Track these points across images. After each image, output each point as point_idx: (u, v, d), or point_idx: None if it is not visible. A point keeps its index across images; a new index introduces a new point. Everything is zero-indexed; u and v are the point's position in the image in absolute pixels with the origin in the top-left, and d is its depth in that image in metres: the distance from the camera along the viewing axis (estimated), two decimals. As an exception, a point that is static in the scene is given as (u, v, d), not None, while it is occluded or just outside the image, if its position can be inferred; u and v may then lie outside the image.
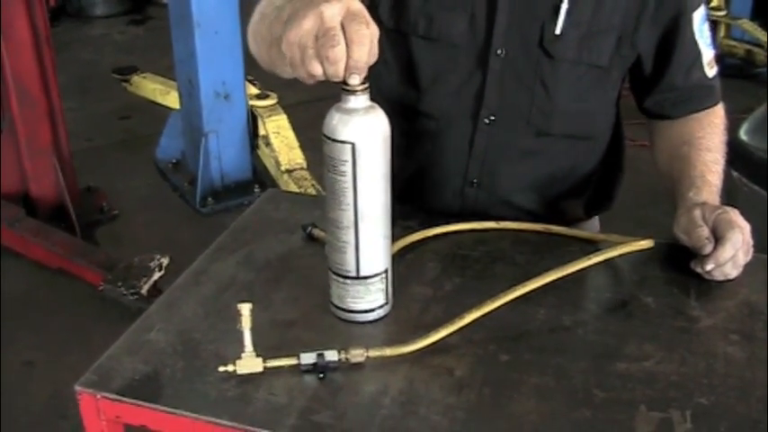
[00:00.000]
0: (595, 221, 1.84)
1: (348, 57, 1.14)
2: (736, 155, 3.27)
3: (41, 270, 3.82)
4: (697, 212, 1.47)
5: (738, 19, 5.81)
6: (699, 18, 1.65)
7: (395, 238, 1.39)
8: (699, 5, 1.65)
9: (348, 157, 1.24)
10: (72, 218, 4.04)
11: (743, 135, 3.10)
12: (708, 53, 1.69)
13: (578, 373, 1.26)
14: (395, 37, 1.64)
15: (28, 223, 3.95)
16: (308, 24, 1.14)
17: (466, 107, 1.64)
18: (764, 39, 5.63)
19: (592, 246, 1.53)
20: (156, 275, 3.54)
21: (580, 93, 1.64)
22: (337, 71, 1.15)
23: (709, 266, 1.43)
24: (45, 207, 4.10)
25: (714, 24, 5.84)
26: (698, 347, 1.31)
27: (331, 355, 1.24)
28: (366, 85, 1.23)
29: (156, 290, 3.51)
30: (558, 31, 1.57)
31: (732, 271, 1.46)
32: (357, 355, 1.24)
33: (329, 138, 1.25)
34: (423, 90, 1.65)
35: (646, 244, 1.51)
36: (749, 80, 5.68)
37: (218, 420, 1.17)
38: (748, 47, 5.75)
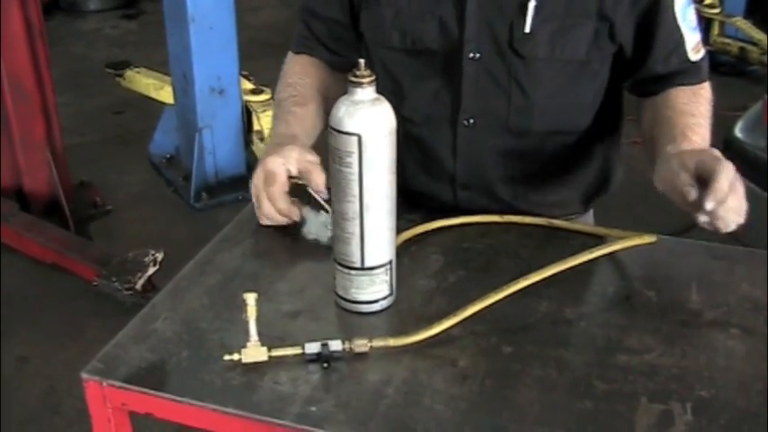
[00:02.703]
0: (589, 216, 1.83)
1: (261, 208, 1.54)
2: (732, 152, 3.30)
3: (35, 265, 3.81)
4: (675, 161, 1.42)
5: (732, 17, 5.82)
6: (681, 1, 1.61)
7: (399, 230, 1.40)
8: None
9: (354, 148, 1.25)
10: (66, 213, 4.03)
11: (738, 133, 3.12)
12: (692, 38, 1.64)
13: (580, 366, 1.27)
14: (373, 48, 1.68)
15: (22, 218, 3.94)
16: (254, 181, 1.54)
17: (445, 111, 1.65)
18: (758, 36, 5.65)
19: (594, 240, 1.54)
20: (151, 270, 3.53)
21: (558, 89, 1.62)
22: (265, 221, 1.56)
23: (710, 204, 1.33)
24: (39, 202, 4.10)
25: (708, 22, 5.85)
26: (699, 341, 1.32)
27: (335, 345, 1.24)
28: (373, 78, 1.26)
29: (150, 285, 3.51)
30: (527, 30, 1.55)
31: (735, 216, 1.38)
32: (361, 345, 1.25)
33: (335, 129, 1.26)
34: (404, 97, 1.65)
35: (648, 239, 1.51)
36: (743, 78, 5.72)
37: (223, 408, 1.17)
38: (742, 44, 5.76)
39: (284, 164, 1.49)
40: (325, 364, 1.24)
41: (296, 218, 1.53)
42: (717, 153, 1.40)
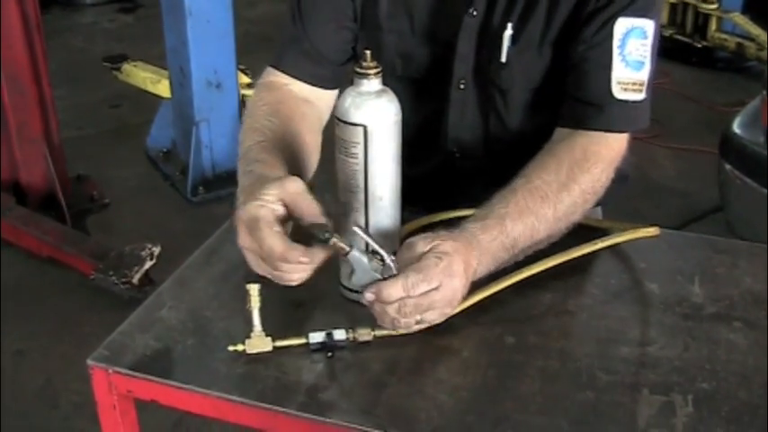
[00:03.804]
0: (597, 210, 1.83)
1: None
2: (730, 148, 3.32)
3: (32, 259, 3.80)
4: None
5: (730, 12, 5.83)
6: (626, 27, 1.45)
7: (403, 221, 1.40)
8: (633, 15, 1.46)
9: (360, 139, 1.26)
10: (62, 206, 4.02)
11: (736, 128, 3.13)
12: (624, 72, 1.46)
13: (582, 357, 1.27)
14: None
15: (18, 212, 3.92)
16: (241, 245, 1.24)
17: (434, 139, 1.65)
18: (755, 32, 5.67)
19: (598, 232, 1.54)
20: (148, 264, 3.53)
21: (536, 114, 1.59)
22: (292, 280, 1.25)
23: (367, 294, 1.22)
24: (35, 196, 4.08)
25: (706, 18, 5.88)
26: (701, 334, 1.33)
27: (339, 335, 1.25)
28: (379, 69, 1.27)
29: (147, 279, 3.51)
30: (503, 59, 1.53)
31: (396, 315, 1.22)
32: (364, 333, 1.26)
33: (341, 120, 1.26)
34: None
35: (652, 231, 1.52)
36: (740, 73, 5.74)
37: (228, 396, 1.18)
38: (739, 40, 5.76)
39: (262, 205, 1.21)
40: (330, 354, 1.24)
41: (315, 259, 1.22)
42: (439, 262, 1.22)
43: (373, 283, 1.22)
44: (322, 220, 1.22)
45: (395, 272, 1.22)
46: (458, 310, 1.29)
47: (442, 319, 1.26)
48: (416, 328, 1.25)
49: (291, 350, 1.24)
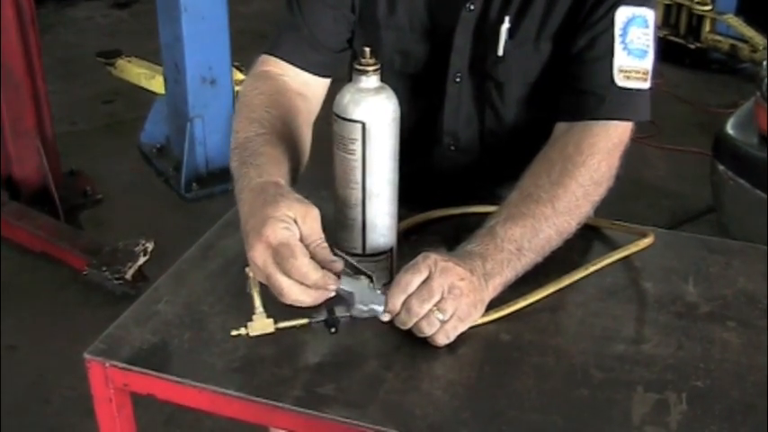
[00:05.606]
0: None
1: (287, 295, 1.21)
2: (723, 149, 3.33)
3: (24, 254, 3.79)
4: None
5: (724, 14, 5.85)
6: (627, 15, 1.46)
7: (400, 218, 1.41)
8: (633, 3, 1.47)
9: (358, 135, 1.26)
10: (56, 201, 4.01)
11: (729, 129, 3.14)
12: (626, 60, 1.46)
13: (577, 354, 1.28)
14: None
15: (11, 207, 3.92)
16: (253, 261, 1.21)
17: (430, 134, 1.65)
18: (749, 34, 5.69)
19: (592, 231, 1.55)
20: (141, 260, 3.53)
21: (532, 109, 1.60)
22: (286, 301, 1.22)
23: (384, 317, 1.25)
24: (28, 190, 4.07)
25: (699, 19, 5.89)
26: (695, 333, 1.33)
27: (340, 311, 1.22)
28: (378, 66, 1.28)
29: (140, 275, 3.51)
30: (500, 53, 1.54)
31: (427, 328, 1.25)
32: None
33: (340, 116, 1.27)
34: None
35: (644, 244, 1.51)
36: (734, 75, 5.75)
37: (224, 390, 1.18)
38: (733, 42, 5.77)
39: (288, 227, 1.20)
40: (333, 330, 1.23)
41: (335, 285, 1.21)
42: (429, 261, 1.25)
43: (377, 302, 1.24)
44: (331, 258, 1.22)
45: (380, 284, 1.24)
46: (479, 321, 1.30)
47: (466, 308, 1.26)
48: (455, 326, 1.26)
49: (287, 345, 1.24)
